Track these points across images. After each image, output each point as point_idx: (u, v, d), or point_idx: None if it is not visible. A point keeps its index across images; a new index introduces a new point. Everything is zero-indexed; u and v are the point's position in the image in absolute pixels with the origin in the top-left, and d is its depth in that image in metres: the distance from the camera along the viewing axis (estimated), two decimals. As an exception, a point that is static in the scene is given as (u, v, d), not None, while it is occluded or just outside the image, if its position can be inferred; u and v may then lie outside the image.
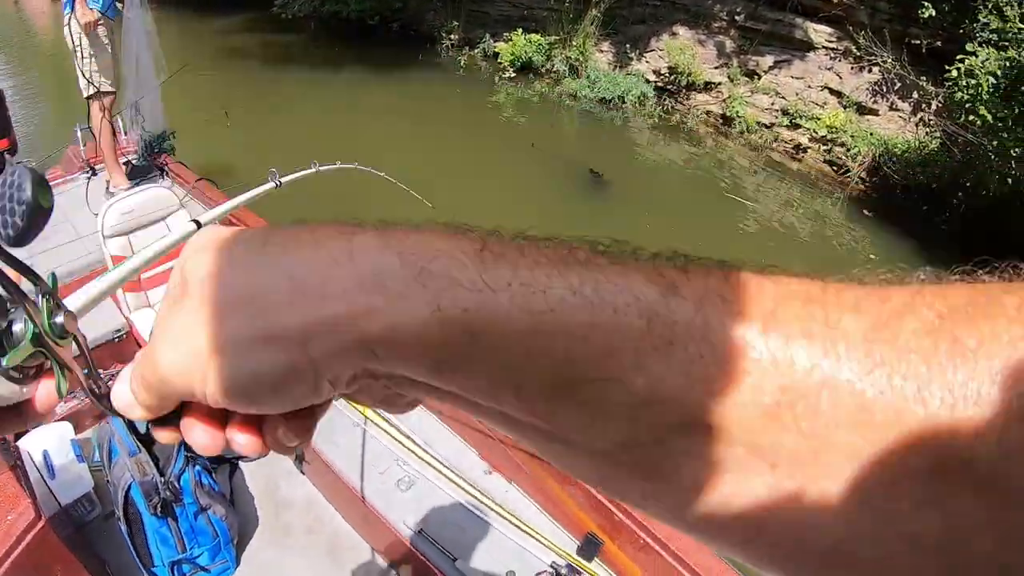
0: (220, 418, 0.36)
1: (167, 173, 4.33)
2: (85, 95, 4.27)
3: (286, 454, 0.37)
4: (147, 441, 2.57)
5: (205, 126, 7.94)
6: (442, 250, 0.29)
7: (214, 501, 2.50)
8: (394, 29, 12.85)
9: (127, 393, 0.35)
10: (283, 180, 2.08)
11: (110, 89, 4.29)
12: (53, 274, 0.37)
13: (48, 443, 2.54)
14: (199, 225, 1.69)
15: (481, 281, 0.27)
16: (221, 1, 16.60)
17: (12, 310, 0.34)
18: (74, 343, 0.38)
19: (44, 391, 0.37)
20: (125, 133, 4.89)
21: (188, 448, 2.59)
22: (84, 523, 2.56)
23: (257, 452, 0.36)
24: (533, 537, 2.25)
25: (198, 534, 2.44)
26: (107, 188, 4.28)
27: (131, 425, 2.60)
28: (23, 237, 0.34)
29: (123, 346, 3.27)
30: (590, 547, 2.25)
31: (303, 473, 2.77)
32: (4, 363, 0.34)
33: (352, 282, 0.28)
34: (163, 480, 2.41)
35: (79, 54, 4.17)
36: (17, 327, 0.34)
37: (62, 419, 2.73)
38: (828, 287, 0.27)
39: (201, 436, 0.36)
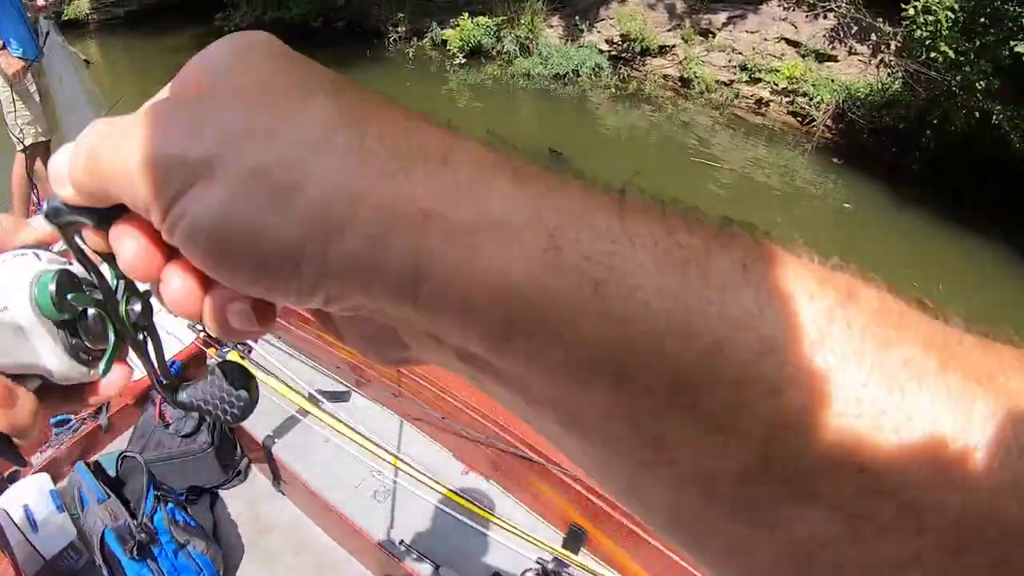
0: (160, 244, 0.27)
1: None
2: (18, 148, 4.15)
3: (225, 337, 0.28)
4: (115, 486, 2.52)
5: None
6: (568, 183, 0.22)
7: (192, 536, 2.44)
8: (339, 28, 12.66)
9: (63, 163, 0.27)
10: None
11: (42, 139, 4.16)
12: None
13: (27, 497, 2.48)
14: None
15: (620, 229, 0.20)
16: (166, 21, 16.44)
17: (89, 292, 0.35)
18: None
19: (108, 376, 0.37)
20: None
21: (157, 487, 2.57)
22: (72, 573, 2.50)
23: (189, 313, 0.27)
24: (516, 534, 2.20)
25: (181, 572, 2.38)
26: None
27: (98, 472, 2.55)
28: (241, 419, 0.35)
29: (89, 388, 3.14)
30: (575, 539, 2.21)
31: (283, 494, 2.72)
32: (66, 305, 0.34)
33: (444, 185, 0.21)
34: (136, 523, 2.36)
35: (4, 107, 4.05)
36: (93, 311, 0.35)
37: (39, 471, 2.67)
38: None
39: (132, 252, 0.27)
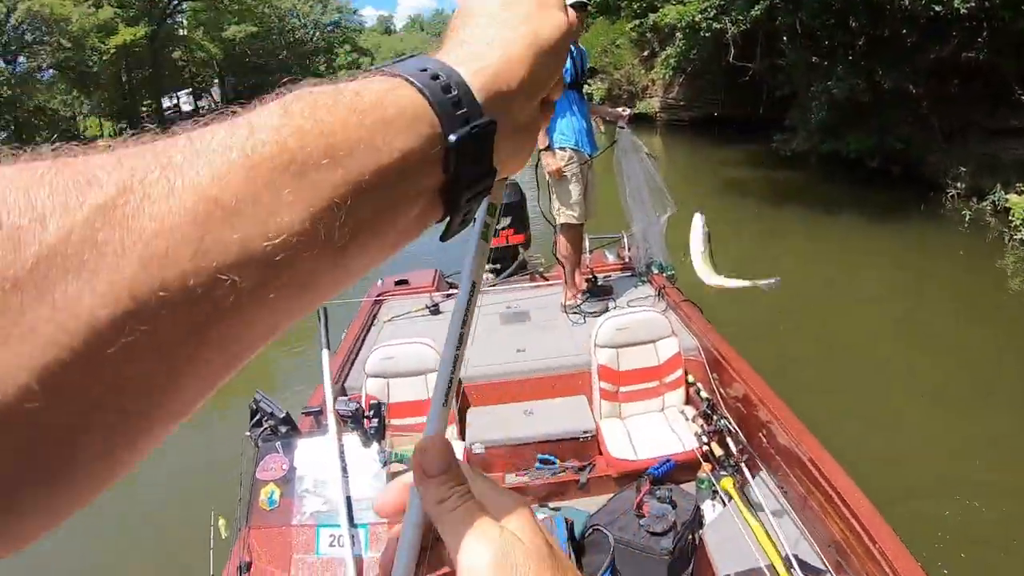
0: None
1: (663, 295, 4.57)
2: (554, 225, 4.83)
3: None
4: (576, 549, 2.77)
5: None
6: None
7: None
8: (894, 172, 11.87)
9: None
10: None
11: (574, 221, 4.66)
12: None
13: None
14: None
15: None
16: (724, 132, 17.62)
17: None
18: None
19: None
20: (589, 254, 5.39)
21: (614, 574, 2.72)
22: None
23: None
24: None
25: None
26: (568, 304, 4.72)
27: (570, 529, 2.81)
28: None
29: (586, 446, 3.49)
30: None
31: None
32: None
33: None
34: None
35: (543, 191, 4.82)
36: None
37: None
38: None
39: None
